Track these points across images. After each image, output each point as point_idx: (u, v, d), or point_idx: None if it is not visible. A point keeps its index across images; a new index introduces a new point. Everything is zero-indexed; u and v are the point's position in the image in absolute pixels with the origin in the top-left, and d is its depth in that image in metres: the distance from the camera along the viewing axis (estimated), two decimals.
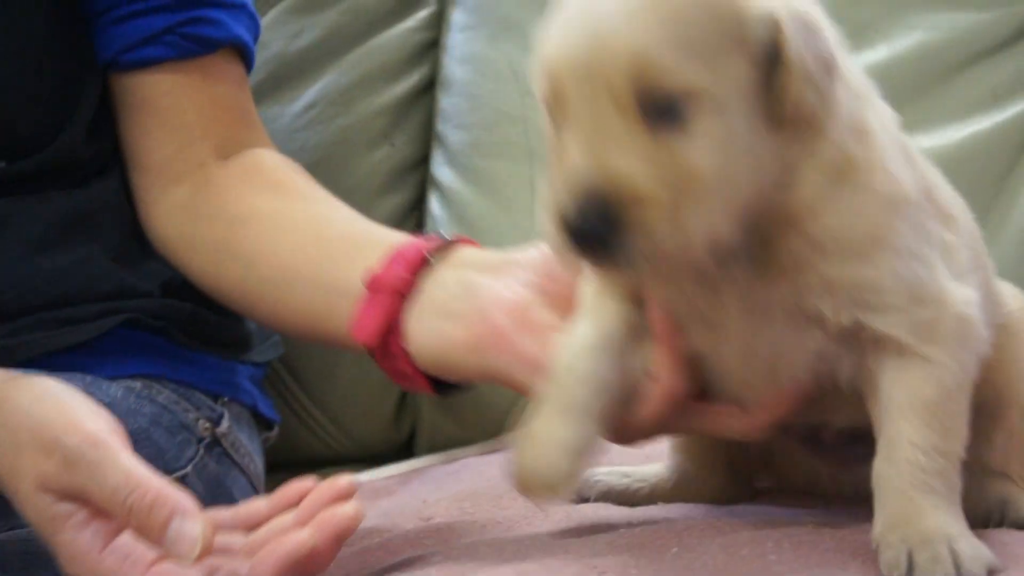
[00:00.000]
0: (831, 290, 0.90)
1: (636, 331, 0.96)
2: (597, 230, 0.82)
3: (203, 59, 1.35)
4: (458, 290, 1.12)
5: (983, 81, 1.66)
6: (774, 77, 0.85)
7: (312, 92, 1.73)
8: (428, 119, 1.76)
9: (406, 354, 1.14)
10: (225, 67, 1.37)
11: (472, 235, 1.69)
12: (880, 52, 1.67)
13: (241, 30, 1.37)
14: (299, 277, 1.24)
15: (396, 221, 1.74)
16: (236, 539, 0.99)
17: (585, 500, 1.18)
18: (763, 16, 0.84)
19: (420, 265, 1.15)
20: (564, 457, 0.95)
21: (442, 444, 1.65)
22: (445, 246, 1.17)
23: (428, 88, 1.77)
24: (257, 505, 1.02)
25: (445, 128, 1.74)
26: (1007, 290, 1.05)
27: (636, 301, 0.97)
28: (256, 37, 1.40)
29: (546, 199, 0.86)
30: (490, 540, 1.04)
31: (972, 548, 0.87)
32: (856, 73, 0.93)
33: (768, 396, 0.96)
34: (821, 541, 0.93)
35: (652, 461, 1.16)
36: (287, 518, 0.98)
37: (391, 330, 1.14)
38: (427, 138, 1.76)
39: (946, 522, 0.88)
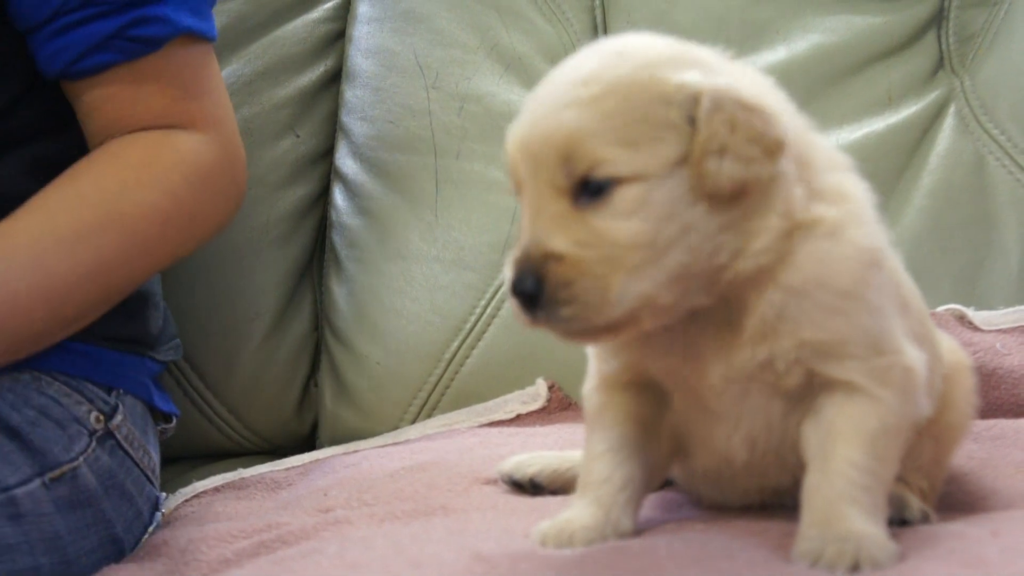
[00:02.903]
0: (802, 350, 0.96)
1: (647, 426, 1.04)
2: (528, 288, 0.93)
3: (153, 56, 1.35)
4: None
5: (878, 83, 1.70)
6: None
7: None
8: (333, 111, 1.76)
9: None
10: (181, 52, 1.37)
11: (376, 227, 1.70)
12: (779, 53, 1.71)
13: (185, 17, 1.36)
14: None
15: (300, 213, 1.74)
16: None
17: (516, 484, 1.20)
18: (685, 95, 0.92)
19: None
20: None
21: (344, 436, 1.65)
22: None
23: (333, 80, 1.77)
24: None
25: (350, 120, 1.74)
26: (945, 344, 1.13)
27: (638, 393, 1.04)
28: (212, 4, 1.40)
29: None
30: (386, 532, 1.05)
31: (879, 549, 0.92)
32: (827, 148, 1.01)
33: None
34: (710, 540, 0.96)
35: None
36: None
37: None
38: (332, 130, 1.76)
39: (864, 527, 0.94)
